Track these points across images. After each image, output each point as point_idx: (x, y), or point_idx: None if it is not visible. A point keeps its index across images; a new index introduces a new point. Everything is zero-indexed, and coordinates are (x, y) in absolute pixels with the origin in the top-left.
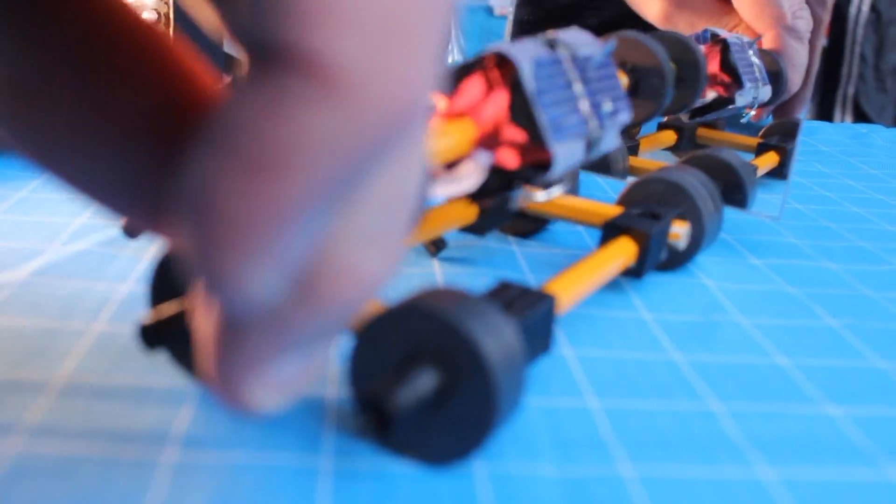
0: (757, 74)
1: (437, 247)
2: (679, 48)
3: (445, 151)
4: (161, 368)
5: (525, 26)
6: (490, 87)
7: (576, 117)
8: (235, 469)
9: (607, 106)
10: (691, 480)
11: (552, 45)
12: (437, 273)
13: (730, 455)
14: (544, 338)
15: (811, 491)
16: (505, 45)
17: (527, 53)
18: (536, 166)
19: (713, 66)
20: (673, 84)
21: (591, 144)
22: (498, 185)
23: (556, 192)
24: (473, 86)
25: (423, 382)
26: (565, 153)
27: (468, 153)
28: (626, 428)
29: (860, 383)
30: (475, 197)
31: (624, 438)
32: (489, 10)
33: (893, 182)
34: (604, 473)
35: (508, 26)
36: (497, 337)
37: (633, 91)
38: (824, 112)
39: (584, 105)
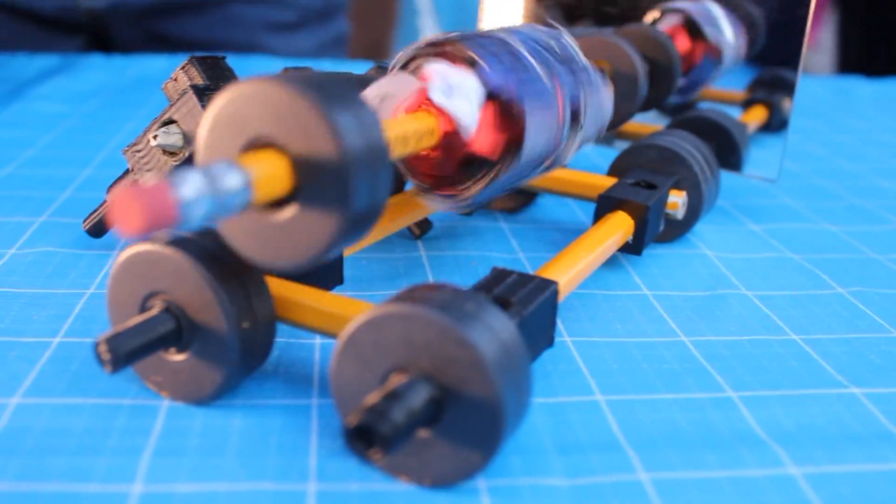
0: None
1: (421, 229)
2: (651, 45)
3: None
4: (127, 385)
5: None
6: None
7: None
8: (212, 498)
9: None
10: (712, 481)
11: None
12: (423, 257)
13: (752, 450)
14: (547, 330)
15: (841, 485)
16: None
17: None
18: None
19: (683, 44)
20: (647, 83)
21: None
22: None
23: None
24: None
25: (416, 399)
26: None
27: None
28: (638, 425)
29: (880, 359)
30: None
31: (636, 438)
32: None
33: (881, 135)
34: (618, 479)
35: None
36: (498, 340)
37: None
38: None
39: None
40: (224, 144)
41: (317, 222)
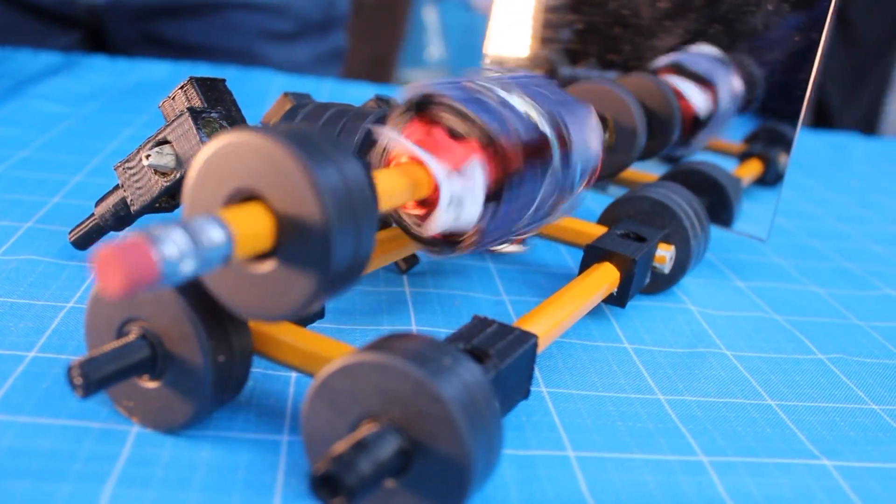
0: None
1: (408, 263)
2: (652, 97)
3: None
4: (98, 407)
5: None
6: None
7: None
8: None
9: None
10: None
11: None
12: (406, 293)
13: None
14: (524, 384)
15: None
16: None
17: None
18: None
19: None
20: (645, 135)
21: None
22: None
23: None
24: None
25: (384, 450)
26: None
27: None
28: (607, 485)
29: (854, 431)
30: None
31: (604, 498)
32: (466, 6)
33: (876, 196)
34: None
35: (489, 29)
36: (471, 397)
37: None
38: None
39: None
40: (210, 193)
41: (297, 277)
